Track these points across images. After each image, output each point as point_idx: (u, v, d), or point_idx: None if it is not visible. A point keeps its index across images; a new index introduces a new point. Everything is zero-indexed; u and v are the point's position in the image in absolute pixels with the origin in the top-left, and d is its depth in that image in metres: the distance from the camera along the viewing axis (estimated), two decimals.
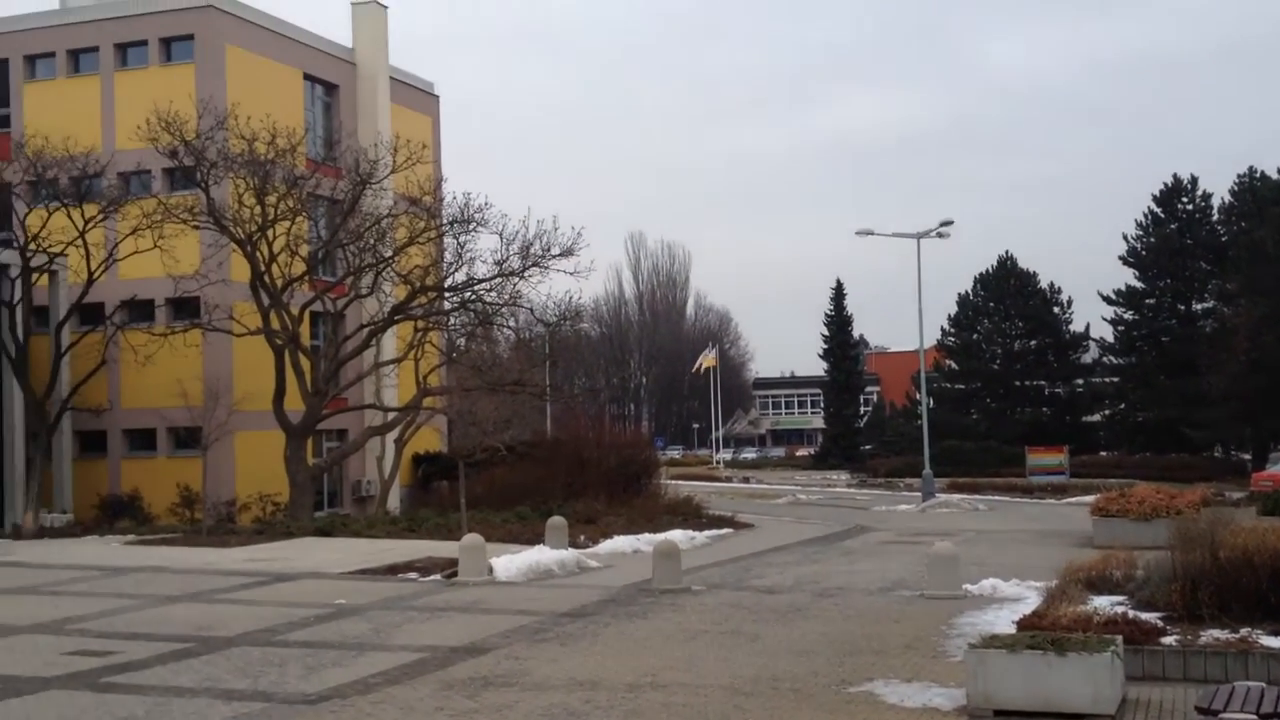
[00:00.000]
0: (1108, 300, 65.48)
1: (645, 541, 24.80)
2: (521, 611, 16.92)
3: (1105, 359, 68.87)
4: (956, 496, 45.54)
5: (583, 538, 26.09)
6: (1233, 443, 61.46)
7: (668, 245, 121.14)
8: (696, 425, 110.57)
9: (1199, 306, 64.34)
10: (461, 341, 39.37)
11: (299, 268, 33.27)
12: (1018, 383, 70.19)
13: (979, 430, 66.21)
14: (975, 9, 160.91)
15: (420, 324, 35.03)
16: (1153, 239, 64.27)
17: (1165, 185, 64.92)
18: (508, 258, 33.28)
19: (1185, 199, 64.57)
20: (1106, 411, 68.93)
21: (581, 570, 21.97)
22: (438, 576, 20.71)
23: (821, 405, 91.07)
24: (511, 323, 39.29)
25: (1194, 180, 64.55)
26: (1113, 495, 28.01)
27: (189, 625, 16.01)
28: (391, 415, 35.10)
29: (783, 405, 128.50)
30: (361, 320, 35.16)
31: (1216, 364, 54.48)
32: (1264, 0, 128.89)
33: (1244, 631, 12.49)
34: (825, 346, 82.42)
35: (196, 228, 32.48)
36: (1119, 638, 11.34)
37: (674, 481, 42.52)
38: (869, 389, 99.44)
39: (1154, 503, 26.10)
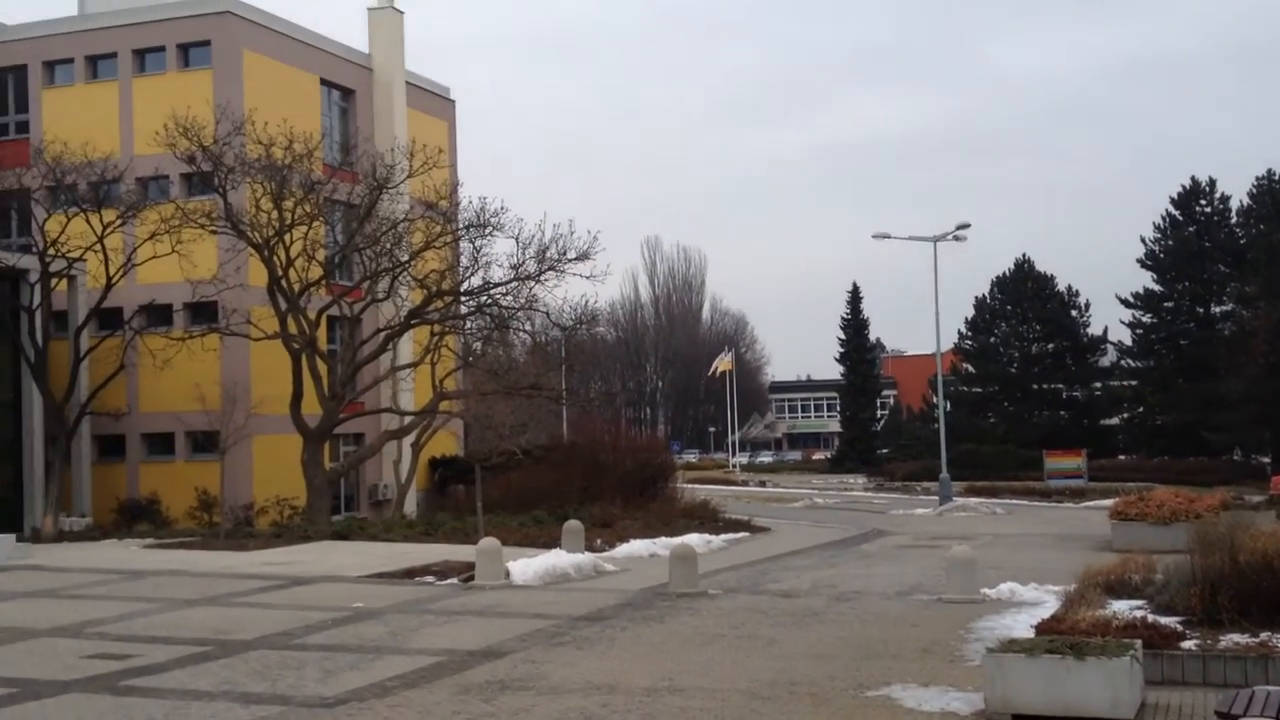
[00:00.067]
0: (1126, 303, 65.27)
1: (662, 545, 24.79)
2: (538, 615, 16.93)
3: (1123, 362, 68.61)
4: (974, 500, 45.39)
5: (599, 541, 26.09)
6: (1252, 446, 61.12)
7: (683, 249, 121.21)
8: (713, 429, 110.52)
9: (1217, 309, 64.07)
10: (478, 345, 39.42)
11: (316, 272, 33.36)
12: (1035, 386, 69.97)
13: (996, 434, 66.01)
14: (990, 11, 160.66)
15: (436, 328, 35.08)
16: (1171, 242, 64.03)
17: (1183, 188, 64.70)
18: (524, 262, 33.33)
19: (1204, 202, 64.31)
20: (1125, 415, 68.65)
21: (598, 574, 21.96)
22: (454, 580, 20.72)
23: (838, 409, 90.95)
24: (527, 327, 39.34)
25: (1212, 183, 64.34)
26: (1131, 499, 27.89)
27: (207, 629, 16.06)
28: (408, 419, 35.16)
29: (799, 409, 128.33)
30: (378, 324, 35.24)
31: (1235, 367, 54.24)
32: None
33: (1264, 636, 12.41)
34: (841, 350, 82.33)
35: (214, 232, 32.60)
36: (1138, 642, 11.29)
37: (690, 485, 42.54)
38: (885, 392, 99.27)
39: (1173, 506, 25.98)
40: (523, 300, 34.51)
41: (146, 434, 36.78)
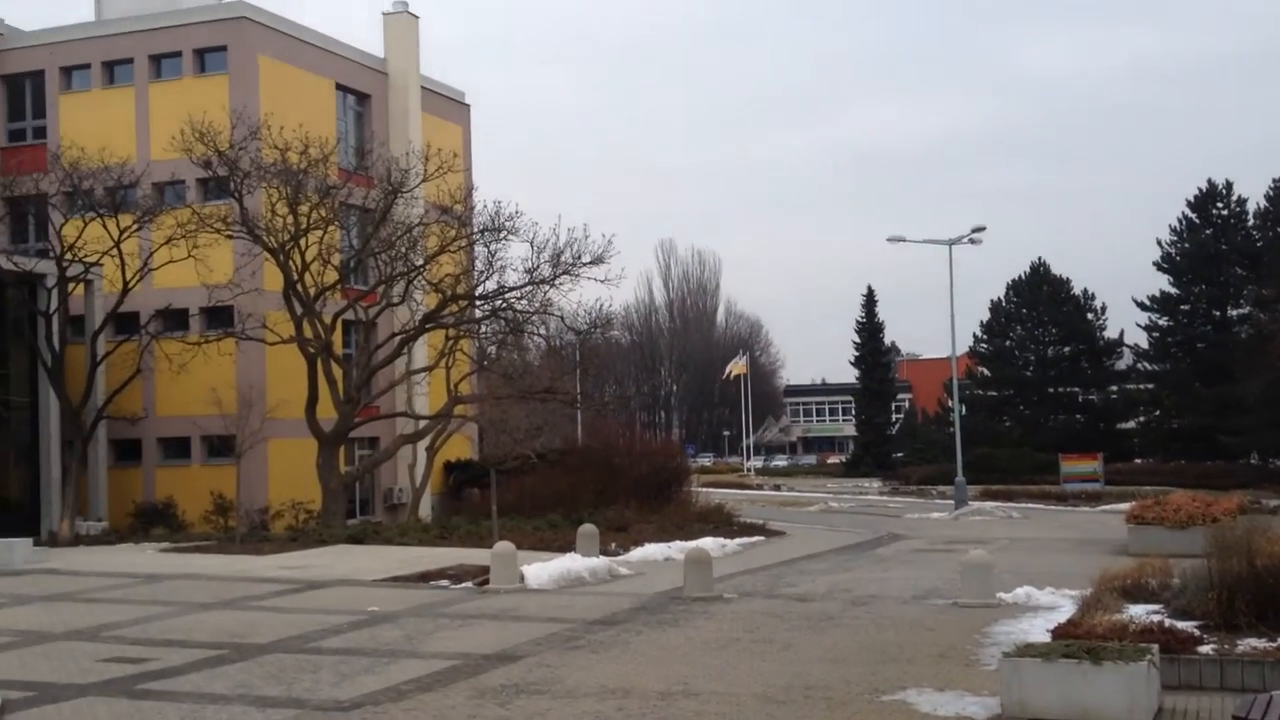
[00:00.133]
0: (1142, 306, 65.03)
1: (676, 549, 24.78)
2: (553, 619, 16.93)
3: (1140, 365, 68.35)
4: (990, 504, 45.26)
5: (614, 545, 26.09)
6: (1269, 450, 60.75)
7: (698, 252, 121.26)
8: (727, 433, 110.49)
9: (1234, 312, 63.78)
10: (492, 349, 39.48)
11: (331, 276, 33.45)
12: (1051, 390, 69.75)
13: (1012, 437, 65.82)
14: (1005, 14, 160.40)
15: (451, 332, 35.13)
16: (1187, 244, 63.77)
17: (1200, 190, 64.44)
18: (538, 266, 33.36)
19: (1220, 204, 64.05)
20: (1141, 418, 68.37)
21: (613, 578, 21.96)
22: (469, 584, 20.75)
23: (853, 412, 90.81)
24: (542, 330, 39.41)
25: (1229, 185, 64.05)
26: (1148, 503, 27.77)
27: (223, 632, 16.11)
28: (423, 423, 35.21)
29: (814, 413, 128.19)
30: (393, 328, 35.32)
31: (1252, 370, 53.94)
32: None
33: None
34: (856, 354, 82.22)
35: (230, 237, 32.71)
36: (1155, 646, 11.25)
37: (705, 489, 42.49)
38: (901, 396, 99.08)
39: (1190, 510, 25.86)
40: (537, 304, 34.56)
41: (162, 438, 36.90)
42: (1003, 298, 71.28)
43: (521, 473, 34.18)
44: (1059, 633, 12.81)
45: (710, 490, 45.13)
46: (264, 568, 23.68)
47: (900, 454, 77.03)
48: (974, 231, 47.80)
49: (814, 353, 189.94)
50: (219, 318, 35.44)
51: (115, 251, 32.62)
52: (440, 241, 33.92)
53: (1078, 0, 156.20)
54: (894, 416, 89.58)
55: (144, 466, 36.83)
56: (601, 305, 36.45)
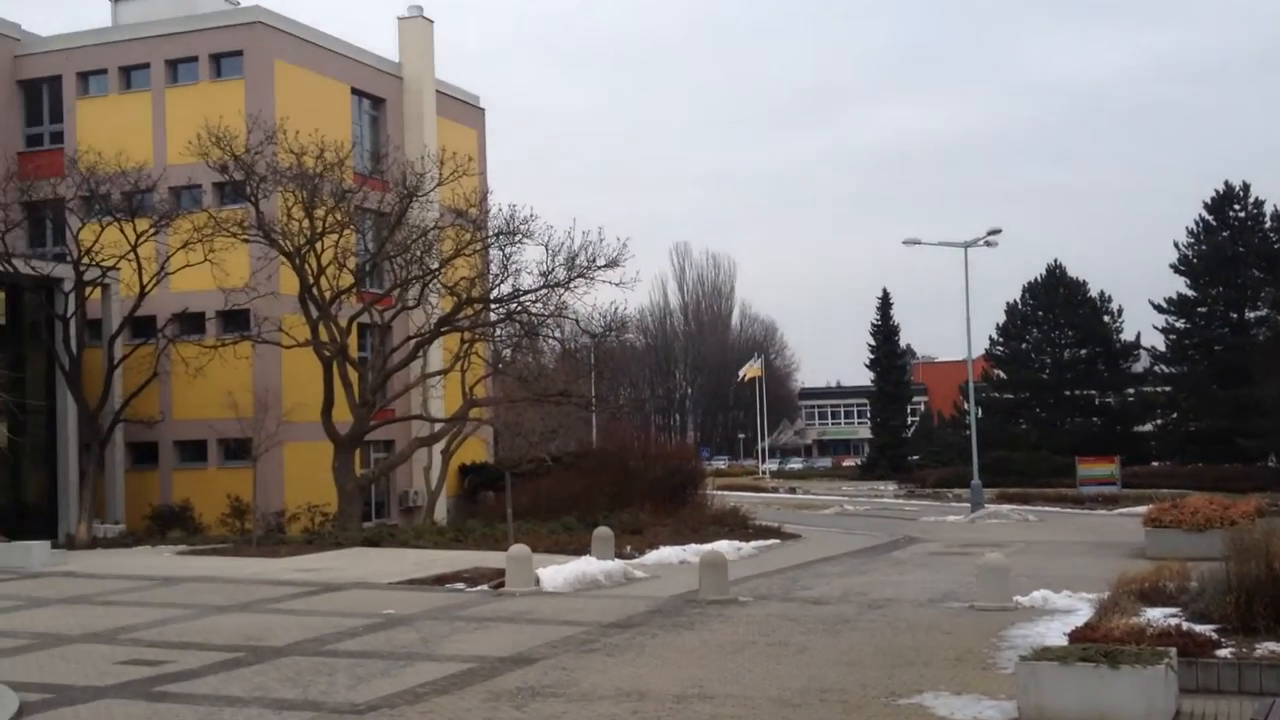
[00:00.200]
0: (1159, 309, 64.82)
1: (692, 552, 24.77)
2: (568, 622, 16.93)
3: (1156, 368, 68.12)
4: (1006, 507, 45.13)
5: (629, 548, 26.08)
6: None
7: (712, 255, 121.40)
8: (742, 435, 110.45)
9: (1251, 315, 63.52)
10: (507, 353, 39.54)
11: (347, 280, 33.53)
12: (1067, 392, 69.54)
13: (1028, 440, 65.65)
14: (1021, 15, 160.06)
15: (466, 335, 35.19)
16: (1204, 246, 63.54)
17: (1217, 192, 64.21)
18: (553, 269, 33.38)
19: (1237, 206, 63.81)
20: (1158, 421, 68.14)
21: (628, 581, 21.95)
22: (485, 587, 20.76)
23: (868, 415, 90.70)
24: (557, 334, 39.44)
25: (1246, 187, 63.81)
26: (1165, 506, 27.66)
27: (239, 635, 16.15)
28: (438, 426, 35.27)
29: (829, 415, 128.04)
30: (408, 332, 35.39)
31: (1270, 372, 53.69)
32: None
33: None
34: (872, 356, 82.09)
35: (246, 241, 32.82)
36: (1173, 650, 11.20)
37: (720, 492, 42.44)
38: (916, 399, 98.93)
39: (1207, 513, 25.74)
40: (552, 307, 34.62)
41: (179, 441, 37.03)
42: (1019, 300, 71.13)
43: (536, 476, 34.20)
44: (1076, 636, 12.77)
45: (725, 493, 45.09)
46: (280, 570, 23.74)
47: (916, 457, 76.88)
48: (990, 234, 47.68)
49: (829, 355, 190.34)
50: (235, 321, 35.56)
51: (132, 255, 32.75)
52: (455, 245, 33.98)
53: (1093, 0, 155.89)
54: (910, 419, 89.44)
55: (161, 469, 36.97)
56: (616, 308, 36.55)
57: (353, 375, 32.95)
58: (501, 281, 34.83)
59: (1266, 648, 12.27)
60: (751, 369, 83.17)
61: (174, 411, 36.57)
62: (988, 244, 47.82)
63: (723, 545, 25.82)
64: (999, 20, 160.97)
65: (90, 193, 33.47)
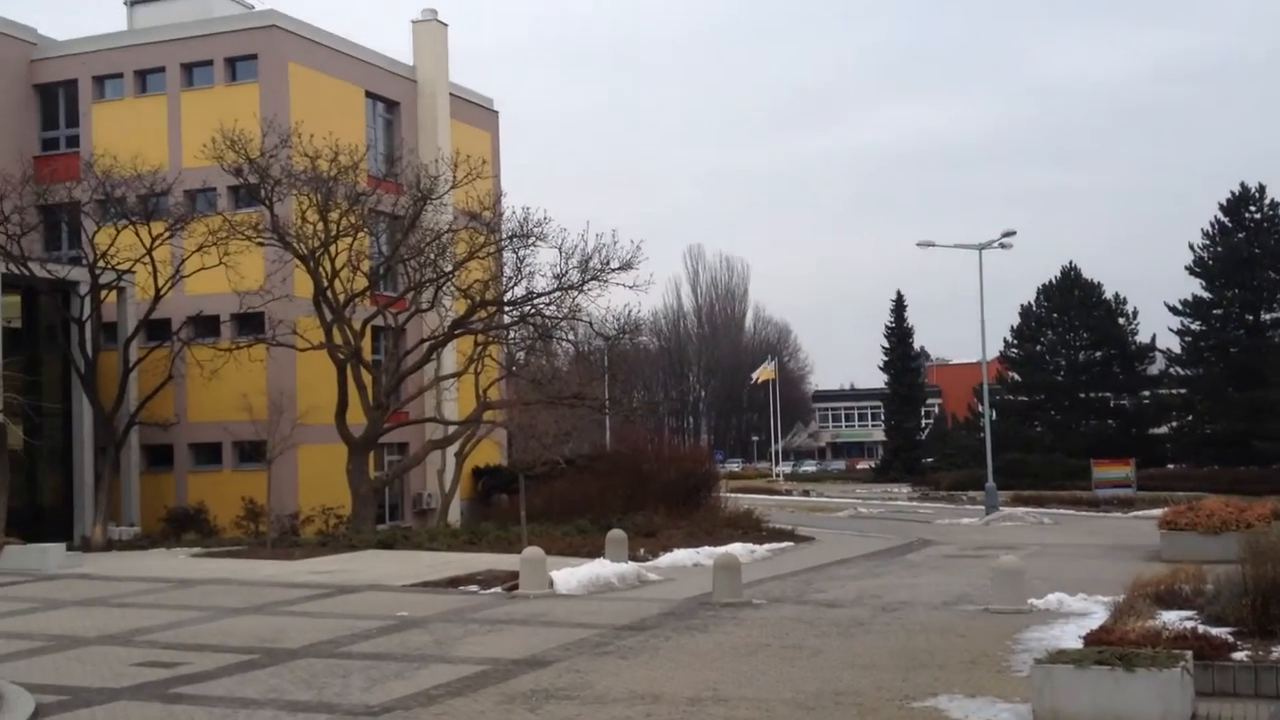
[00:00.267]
0: (1174, 311, 64.62)
1: (705, 555, 24.74)
2: (582, 624, 16.93)
3: (1172, 370, 67.90)
4: (1020, 510, 45.01)
5: (642, 551, 26.07)
6: None
7: (726, 258, 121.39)
8: (756, 438, 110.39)
9: (1268, 317, 63.30)
10: (521, 355, 39.57)
11: (361, 283, 33.60)
12: (1082, 395, 69.36)
13: (1043, 443, 65.49)
14: (1034, 15, 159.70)
15: (480, 338, 35.23)
16: (1220, 248, 63.34)
17: (1232, 194, 63.99)
18: (567, 272, 33.39)
19: (1253, 208, 63.59)
20: (1174, 424, 67.94)
21: (642, 583, 21.94)
22: (499, 589, 20.78)
23: (882, 418, 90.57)
24: (571, 336, 39.44)
25: (1262, 189, 63.58)
26: (1181, 508, 27.56)
27: (254, 637, 16.19)
28: (452, 429, 35.31)
29: (843, 418, 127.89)
30: (422, 335, 35.45)
31: None
32: None
33: None
34: (886, 359, 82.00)
35: (261, 244, 32.91)
36: (1189, 653, 11.15)
37: (733, 495, 42.43)
38: (930, 401, 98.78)
39: (1223, 516, 25.63)
40: (566, 310, 34.60)
41: (194, 444, 37.16)
42: (1033, 302, 70.98)
43: (550, 478, 34.22)
44: (1091, 639, 12.72)
45: (739, 496, 45.05)
46: (294, 573, 23.78)
47: (930, 459, 76.76)
48: (1004, 236, 47.58)
49: (843, 358, 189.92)
50: (250, 324, 35.66)
51: (147, 259, 32.87)
52: (469, 248, 34.02)
53: (1105, 0, 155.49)
54: (924, 422, 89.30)
55: (176, 472, 37.10)
56: (630, 311, 36.51)
57: (367, 378, 33.02)
58: (515, 284, 34.87)
59: None
60: (765, 371, 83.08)
61: (189, 414, 36.69)
62: (1002, 246, 47.71)
63: (736, 548, 25.78)
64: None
65: (106, 196, 33.61)
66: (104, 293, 33.58)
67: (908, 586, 21.43)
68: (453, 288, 34.57)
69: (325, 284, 32.08)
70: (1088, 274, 70.37)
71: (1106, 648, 11.40)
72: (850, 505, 52.35)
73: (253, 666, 14.03)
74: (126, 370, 33.78)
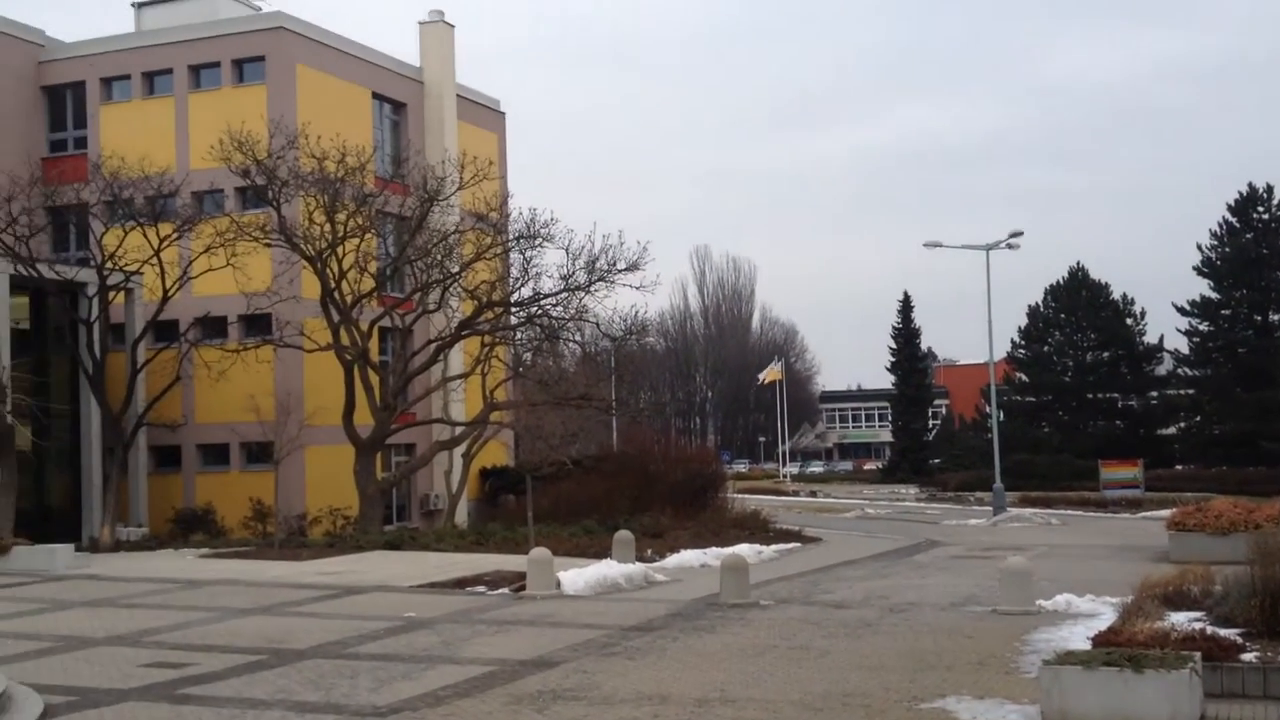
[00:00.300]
0: (1182, 311, 64.48)
1: (712, 555, 24.73)
2: (589, 625, 16.94)
3: (1180, 371, 67.78)
4: (1028, 511, 44.97)
5: (649, 551, 26.06)
6: None
7: (733, 259, 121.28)
8: (763, 439, 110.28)
9: (1276, 317, 63.16)
10: (528, 356, 39.58)
11: (368, 284, 33.64)
12: (1090, 395, 69.25)
13: (1051, 444, 65.37)
14: (1041, 15, 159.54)
15: (487, 339, 35.26)
16: (1228, 249, 63.22)
17: (1240, 194, 63.87)
18: (574, 272, 33.44)
19: (1261, 208, 63.45)
20: (1181, 424, 67.77)
21: (649, 584, 21.95)
22: (506, 590, 20.78)
23: (889, 419, 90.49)
24: (577, 337, 39.45)
25: (1269, 189, 63.42)
26: (1189, 509, 27.52)
27: (262, 637, 16.21)
28: (459, 430, 35.34)
29: (850, 419, 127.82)
30: (429, 335, 35.46)
31: None
32: None
33: None
34: (893, 359, 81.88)
35: (268, 245, 32.97)
36: (1197, 654, 11.12)
37: (740, 495, 42.41)
38: (937, 402, 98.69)
39: (1232, 517, 25.59)
40: (573, 311, 34.63)
41: (202, 445, 37.21)
42: (1041, 303, 70.88)
43: (557, 479, 34.22)
44: (1100, 640, 12.70)
45: (746, 496, 45.04)
46: (302, 573, 23.81)
47: (937, 460, 76.66)
48: (1012, 237, 47.52)
49: (850, 358, 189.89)
50: (257, 325, 35.70)
51: (155, 260, 32.93)
52: (476, 249, 34.07)
53: (1112, 1, 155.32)
54: (931, 423, 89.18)
55: (184, 473, 37.16)
56: (637, 312, 36.51)
57: (374, 379, 33.05)
58: (522, 285, 34.94)
59: None
60: (772, 372, 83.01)
61: (196, 415, 36.75)
62: (1010, 247, 47.65)
63: (743, 549, 25.78)
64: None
65: (114, 197, 33.66)
66: (112, 294, 33.64)
67: (915, 587, 21.41)
68: (460, 289, 34.60)
69: (332, 285, 32.11)
70: (1095, 275, 70.33)
71: (1115, 649, 11.38)
72: (857, 506, 52.33)
73: (260, 667, 14.05)
74: (134, 371, 33.83)
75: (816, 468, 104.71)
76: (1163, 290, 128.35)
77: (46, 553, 26.10)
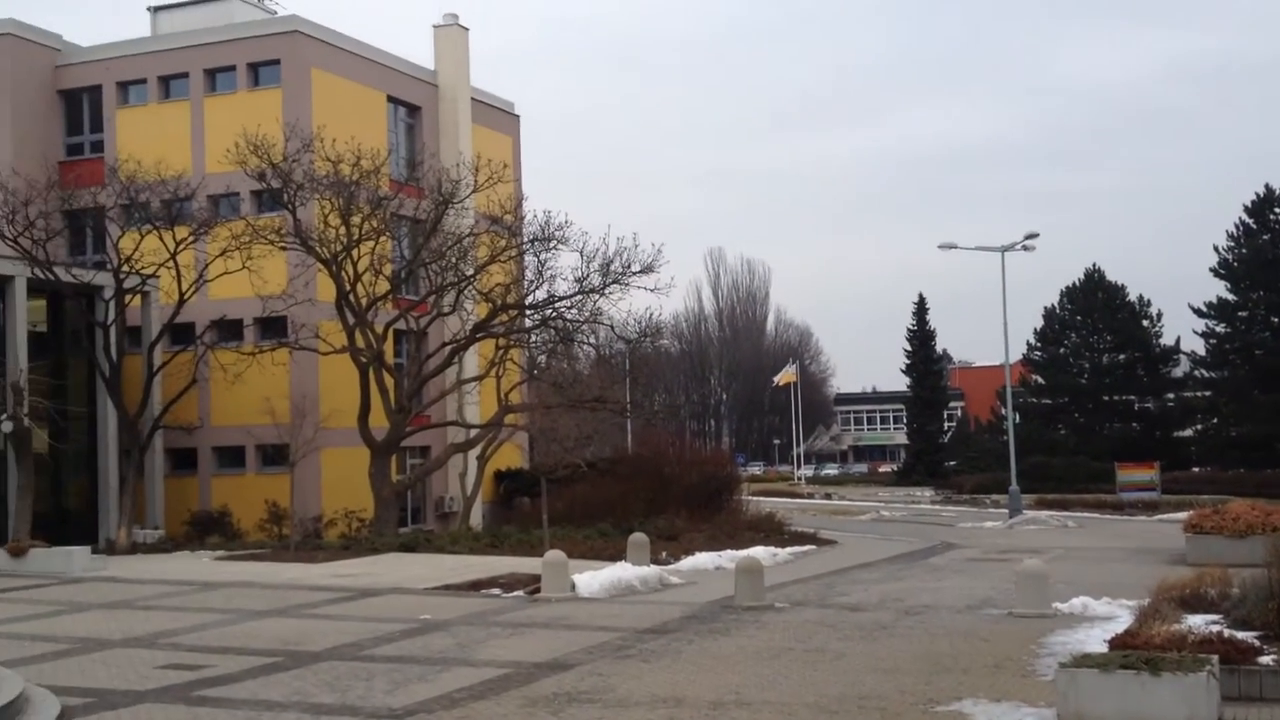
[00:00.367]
0: (1199, 313, 64.17)
1: (727, 558, 24.71)
2: (604, 628, 16.93)
3: (1197, 373, 67.44)
4: (1044, 513, 44.81)
5: (664, 554, 26.05)
6: None
7: (747, 261, 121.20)
8: (777, 441, 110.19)
9: None
10: (542, 359, 39.58)
11: (383, 287, 33.70)
12: (1106, 397, 68.99)
13: (1067, 446, 65.13)
14: (1057, 16, 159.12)
15: (502, 341, 35.29)
16: (1244, 250, 62.90)
17: (1257, 195, 63.53)
18: (588, 275, 33.45)
19: (1278, 209, 63.12)
20: (1198, 426, 67.42)
21: (664, 587, 21.94)
22: (521, 592, 20.80)
23: (904, 421, 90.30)
24: (592, 340, 39.47)
25: None
26: (1206, 512, 27.40)
27: (278, 640, 16.24)
28: (474, 432, 35.37)
29: (865, 421, 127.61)
30: (444, 338, 35.51)
31: None
32: None
33: None
34: (908, 362, 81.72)
35: (283, 248, 33.05)
36: (1214, 657, 11.08)
37: (755, 498, 42.37)
38: (953, 404, 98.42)
39: (1249, 519, 25.49)
40: (587, 313, 34.64)
41: (217, 447, 37.32)
42: (1056, 304, 70.66)
43: (572, 481, 34.21)
44: (1116, 643, 12.66)
45: (761, 499, 44.99)
46: (317, 576, 23.86)
47: (953, 462, 76.46)
48: (1027, 238, 47.38)
49: (864, 360, 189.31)
50: (273, 328, 35.79)
51: (171, 263, 33.04)
52: (490, 251, 34.10)
53: (1126, 2, 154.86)
54: (946, 425, 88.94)
55: (199, 475, 37.27)
56: (651, 314, 36.53)
57: (389, 381, 33.10)
58: (536, 287, 34.94)
59: None
60: (786, 374, 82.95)
61: (212, 418, 36.86)
62: (1025, 248, 47.51)
63: (758, 551, 25.75)
64: (1038, 22, 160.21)
65: (130, 201, 33.81)
66: (128, 297, 33.77)
67: (931, 590, 21.36)
68: (474, 291, 34.64)
69: (347, 288, 32.18)
70: (1111, 276, 69.98)
71: (1131, 652, 11.34)
72: (872, 508, 52.23)
73: (276, 669, 14.08)
74: (151, 374, 33.95)
75: (831, 470, 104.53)
76: (1179, 292, 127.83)
77: (63, 555, 26.20)
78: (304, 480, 33.08)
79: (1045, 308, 70.93)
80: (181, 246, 33.19)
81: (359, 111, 38.41)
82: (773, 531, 32.57)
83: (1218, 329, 63.99)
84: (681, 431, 76.13)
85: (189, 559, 28.53)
